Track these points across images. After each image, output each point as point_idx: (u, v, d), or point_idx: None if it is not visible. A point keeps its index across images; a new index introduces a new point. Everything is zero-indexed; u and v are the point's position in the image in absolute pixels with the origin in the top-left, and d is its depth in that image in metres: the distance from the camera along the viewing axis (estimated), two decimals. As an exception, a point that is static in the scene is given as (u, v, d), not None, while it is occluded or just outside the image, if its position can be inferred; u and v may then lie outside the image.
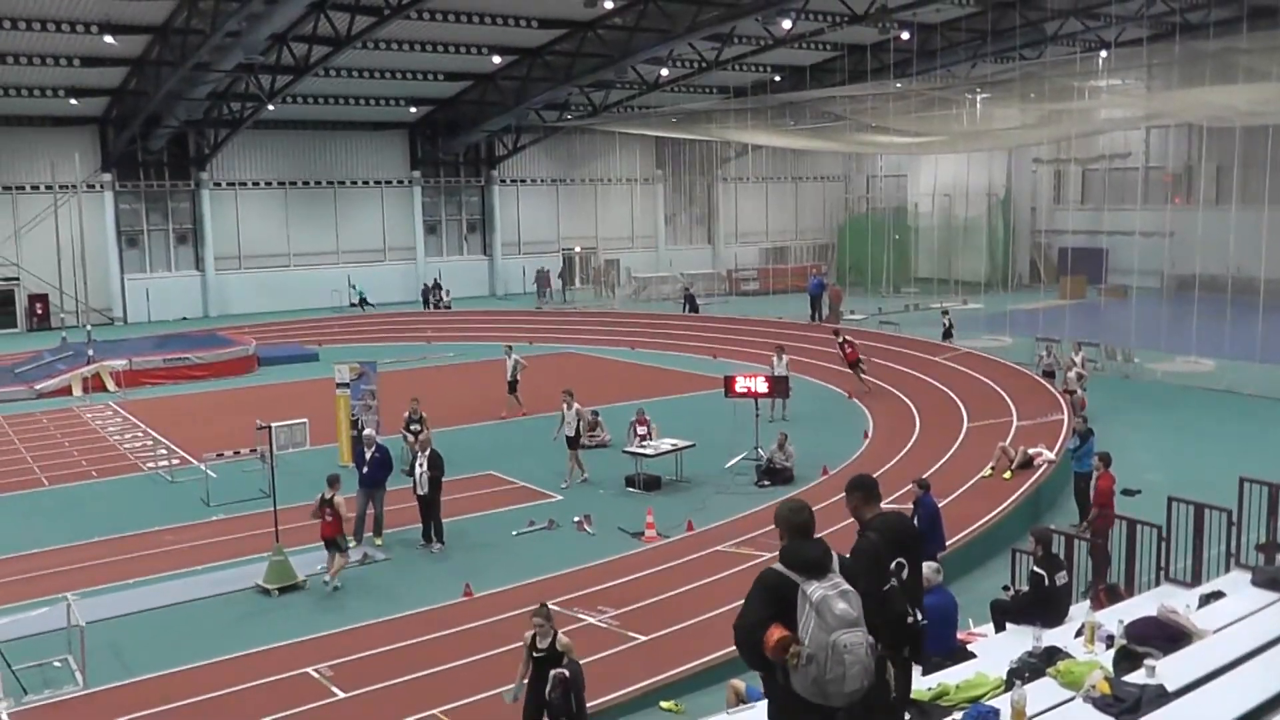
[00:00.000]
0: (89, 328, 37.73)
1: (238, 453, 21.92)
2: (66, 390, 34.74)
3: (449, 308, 53.22)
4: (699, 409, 27.95)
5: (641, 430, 23.22)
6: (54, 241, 45.71)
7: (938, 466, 20.69)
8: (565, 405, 21.69)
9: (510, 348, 29.15)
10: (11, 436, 28.56)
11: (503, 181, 60.06)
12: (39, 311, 50.42)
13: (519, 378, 28.07)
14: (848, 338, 30.77)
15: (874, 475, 6.35)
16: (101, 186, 50.68)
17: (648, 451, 21.59)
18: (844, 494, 6.23)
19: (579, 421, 21.64)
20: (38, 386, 35.03)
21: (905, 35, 44.87)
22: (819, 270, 55.56)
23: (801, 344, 35.68)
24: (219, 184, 53.41)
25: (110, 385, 35.21)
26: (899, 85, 41.55)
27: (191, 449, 24.61)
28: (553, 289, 56.75)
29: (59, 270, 47.86)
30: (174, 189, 52.89)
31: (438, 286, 53.88)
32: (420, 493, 17.65)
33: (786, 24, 42.91)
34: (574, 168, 61.46)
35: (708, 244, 65.94)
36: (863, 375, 29.91)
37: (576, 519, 18.98)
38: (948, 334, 35.16)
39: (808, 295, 46.44)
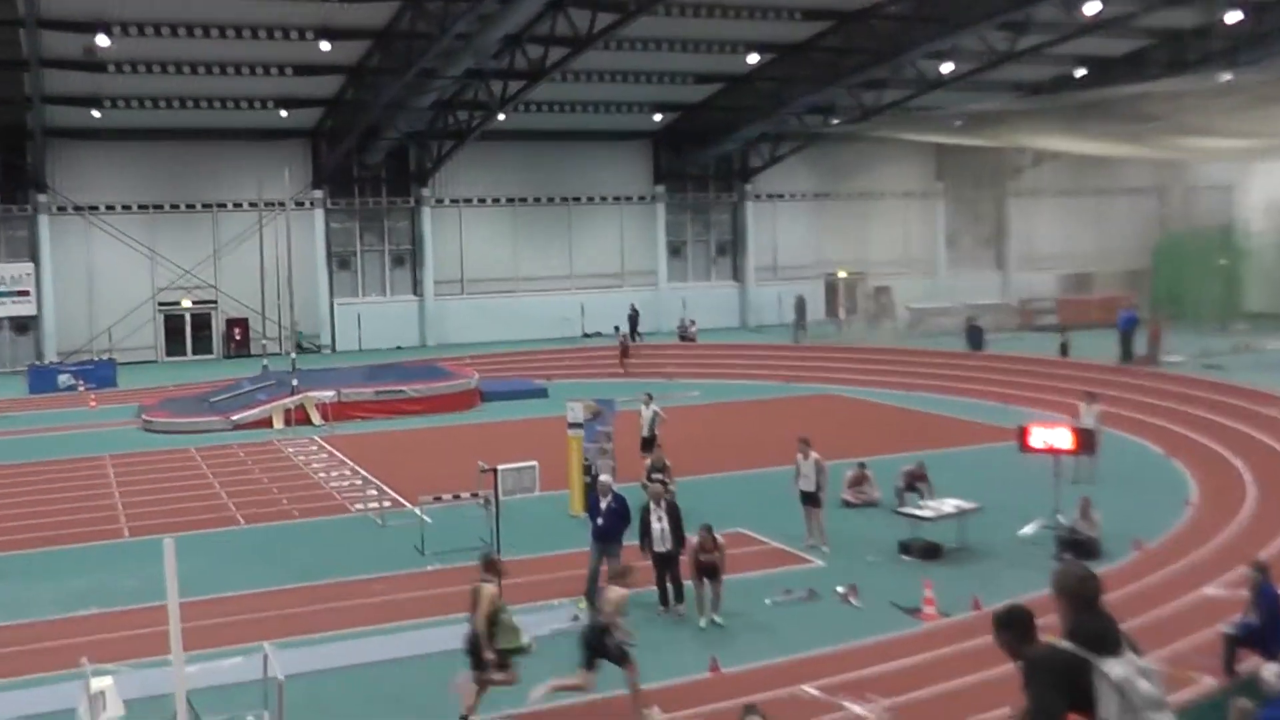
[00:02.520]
0: (293, 355, 39.52)
1: (457, 497, 22.12)
2: (266, 422, 36.03)
3: (693, 339, 53.61)
4: (986, 465, 27.58)
5: (920, 487, 23.01)
6: (257, 262, 48.10)
7: None
8: (801, 455, 21.61)
9: (650, 396, 28.41)
10: (205, 471, 29.60)
11: (757, 197, 60.91)
12: (237, 337, 52.71)
13: (657, 431, 27.21)
14: None
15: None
16: (312, 204, 53.07)
17: (925, 513, 21.32)
18: (993, 630, 5.69)
19: (818, 474, 21.40)
20: (235, 417, 36.27)
21: (1236, 16, 42.55)
22: (1131, 302, 53.01)
23: (1111, 390, 34.43)
24: (441, 201, 55.52)
25: (315, 418, 36.30)
26: (1228, 78, 40.51)
27: (405, 491, 25.20)
28: (808, 321, 56.13)
29: (261, 293, 50.18)
30: (391, 207, 55.23)
31: (636, 315, 53.88)
32: (660, 549, 17.69)
33: (1093, 7, 41.21)
34: (839, 181, 61.13)
35: (996, 269, 65.36)
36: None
37: (841, 589, 18.80)
38: (1295, 383, 33.22)
39: (1117, 331, 44.43)
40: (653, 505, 17.73)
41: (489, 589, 13.68)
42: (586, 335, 55.68)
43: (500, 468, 19.29)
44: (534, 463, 21.26)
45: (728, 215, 61.11)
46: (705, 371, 45.61)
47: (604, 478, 19.28)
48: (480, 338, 53.53)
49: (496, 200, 56.51)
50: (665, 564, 17.82)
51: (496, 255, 56.36)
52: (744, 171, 60.07)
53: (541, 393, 41.01)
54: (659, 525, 17.62)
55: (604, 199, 58.26)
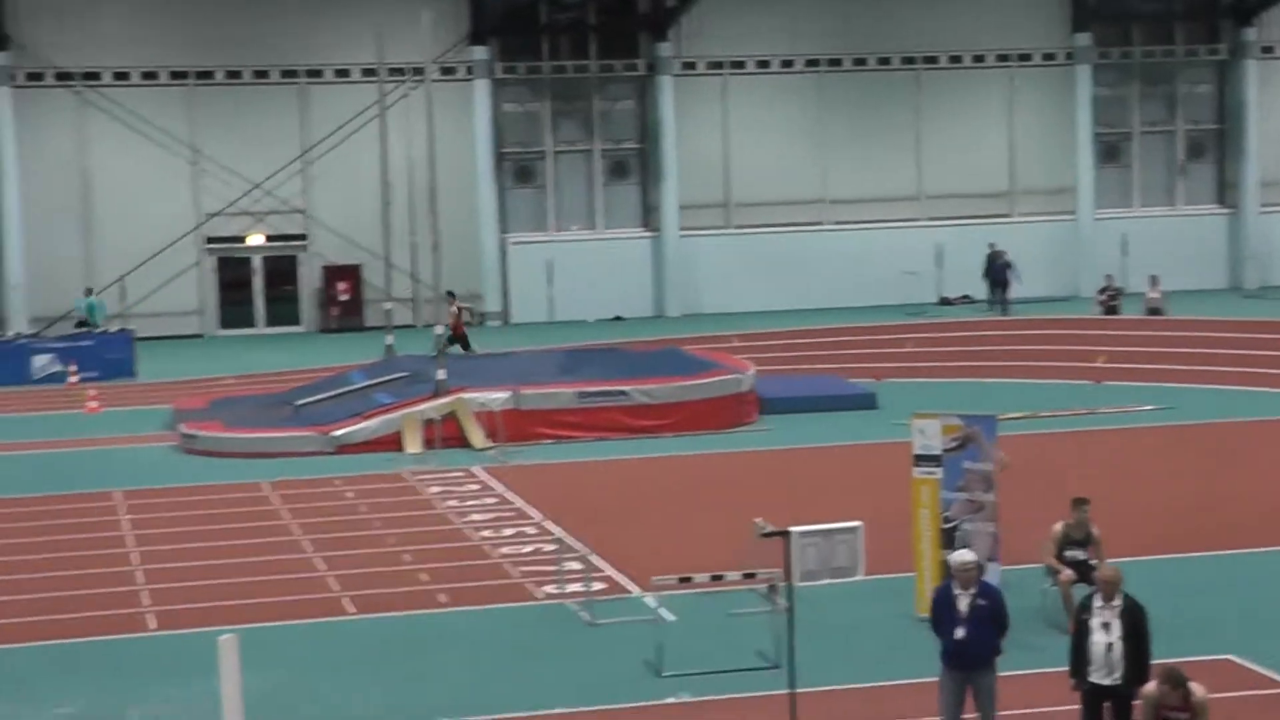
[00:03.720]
0: (440, 329, 39.48)
1: (718, 577, 22.05)
2: (391, 441, 35.90)
3: (1160, 311, 51.53)
4: None
5: None
6: (375, 172, 49.03)
7: None
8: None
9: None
10: (286, 521, 29.61)
11: (1266, 50, 59.92)
12: (342, 296, 53.91)
13: None
14: None
15: None
16: (470, 70, 54.25)
17: None
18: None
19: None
20: (337, 433, 36.13)
21: None
22: None
23: None
24: (692, 66, 56.28)
25: (475, 437, 36.13)
26: None
27: (629, 565, 25.22)
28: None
29: (383, 224, 49.82)
30: (605, 77, 56.46)
31: (1003, 263, 53.79)
32: (1103, 681, 16.80)
33: None
34: None
35: None
36: None
37: None
38: None
39: None
40: (1095, 604, 17.22)
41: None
42: (945, 301, 56.00)
43: (794, 531, 18.40)
44: (856, 524, 20.05)
45: (1209, 85, 60.57)
46: (1174, 369, 44.31)
47: (965, 556, 18.18)
48: (756, 304, 54.19)
49: (787, 64, 56.57)
50: (1109, 707, 17.12)
51: (785, 161, 56.21)
52: (1244, 3, 58.76)
53: (866, 400, 40.76)
54: (1104, 639, 16.89)
55: (978, 60, 57.67)
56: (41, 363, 45.09)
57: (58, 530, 28.96)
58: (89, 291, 50.38)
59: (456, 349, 43.12)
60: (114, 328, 48.68)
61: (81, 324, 50.58)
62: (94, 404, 41.63)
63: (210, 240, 53.37)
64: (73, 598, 24.50)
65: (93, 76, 52.31)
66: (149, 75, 52.60)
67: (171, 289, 52.76)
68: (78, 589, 24.99)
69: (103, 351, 45.74)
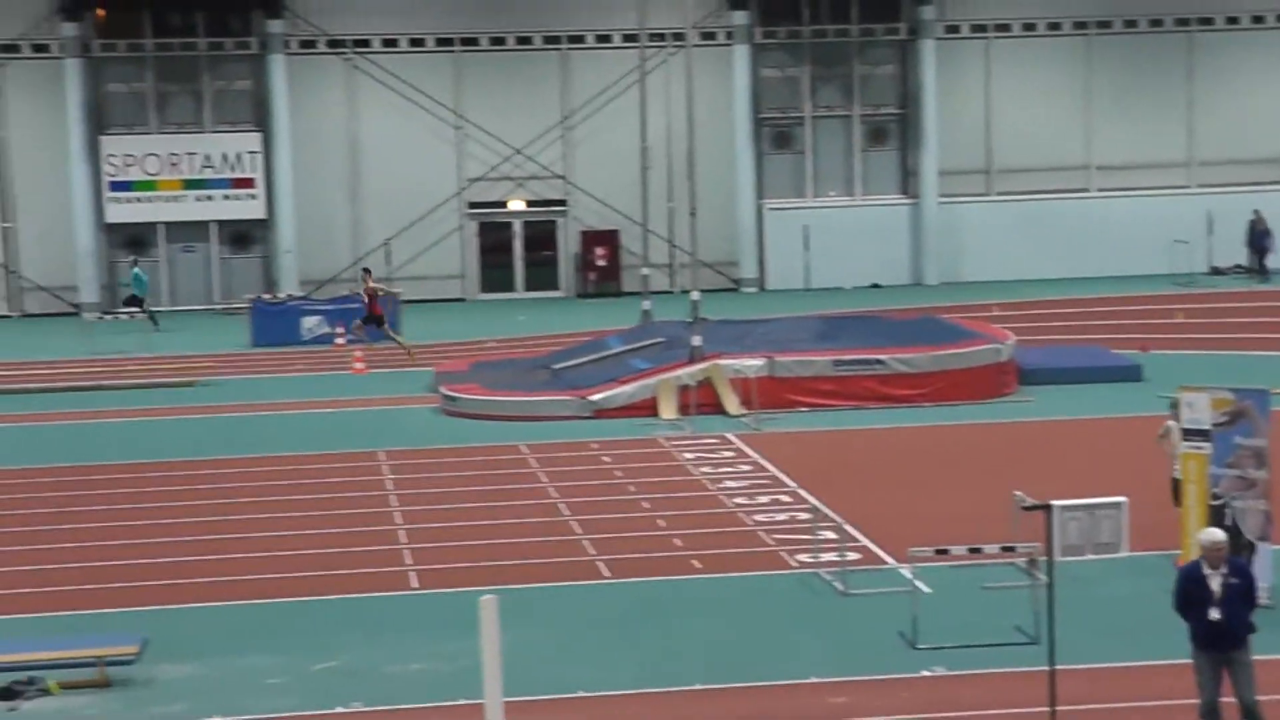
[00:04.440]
0: (695, 295, 39.37)
1: (976, 550, 21.88)
2: (648, 407, 36.30)
3: None
4: None
5: None
6: (633, 138, 49.25)
7: None
8: None
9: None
10: (544, 483, 30.08)
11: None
12: (600, 262, 54.64)
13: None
14: None
15: None
16: (729, 36, 54.33)
17: None
18: None
19: None
20: (594, 397, 36.66)
21: None
22: None
23: None
24: (955, 29, 56.13)
25: (730, 403, 36.19)
26: None
27: (884, 537, 25.15)
28: None
29: (641, 189, 49.62)
30: (865, 39, 56.19)
31: (1265, 231, 53.00)
32: None
33: None
34: None
35: None
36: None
37: None
38: None
39: None
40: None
41: None
42: (1216, 271, 54.75)
43: (1056, 505, 18.78)
44: (1120, 499, 21.65)
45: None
46: None
47: (1216, 535, 17.47)
48: (1017, 272, 53.90)
49: (1054, 27, 56.24)
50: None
51: (1049, 126, 56.00)
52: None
53: (1131, 372, 40.09)
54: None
55: (1257, 21, 56.54)
56: (310, 324, 46.25)
57: (325, 489, 29.86)
58: (135, 263, 51.14)
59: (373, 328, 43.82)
60: (380, 291, 47.96)
61: (130, 300, 51.18)
62: (360, 365, 42.66)
63: (472, 205, 54.32)
64: (338, 555, 25.14)
65: (363, 44, 53.42)
66: (416, 42, 53.71)
67: (434, 253, 53.85)
68: (343, 546, 25.68)
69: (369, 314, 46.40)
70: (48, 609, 21.75)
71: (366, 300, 44.72)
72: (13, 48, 52.99)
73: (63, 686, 17.72)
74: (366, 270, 48.40)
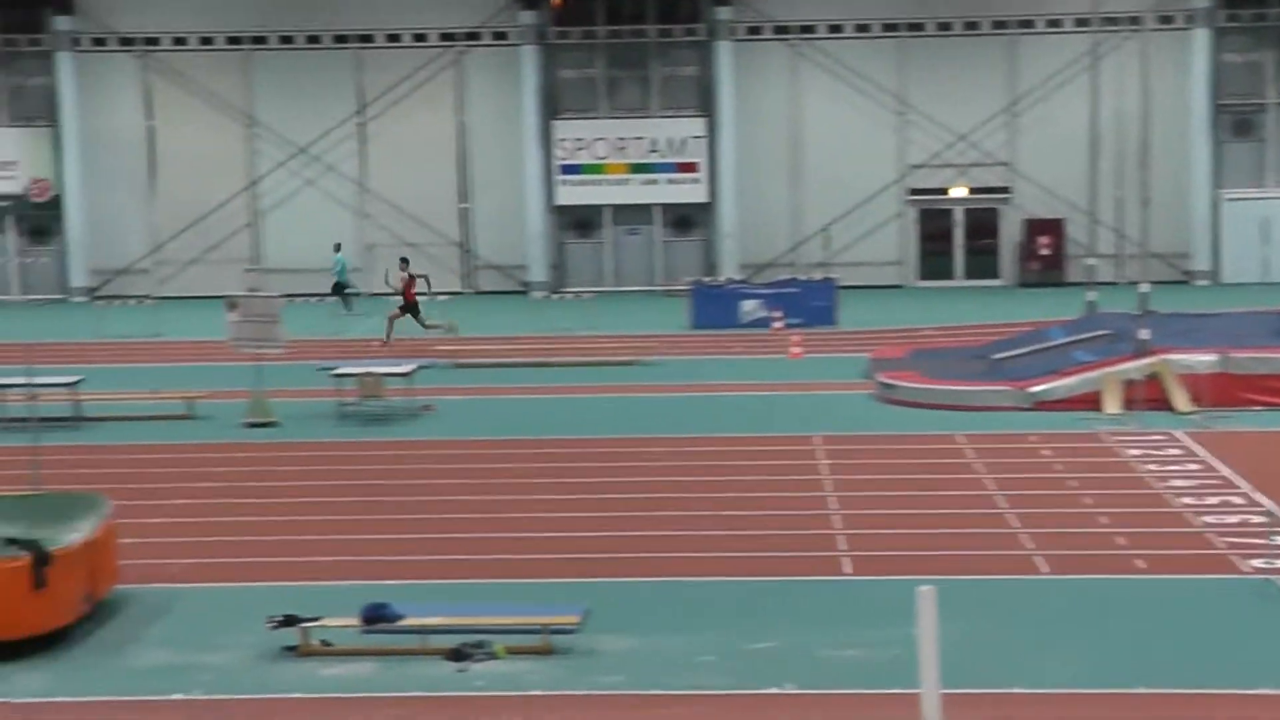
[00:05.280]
0: (1144, 288, 38.91)
1: None
2: (1089, 400, 35.75)
3: None
4: None
5: None
6: (1083, 122, 51.89)
7: None
8: None
9: None
10: (980, 475, 29.88)
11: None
12: (1043, 251, 54.59)
13: None
14: None
15: None
16: (1191, 20, 53.97)
17: None
18: None
19: None
20: (1035, 389, 36.17)
21: None
22: None
23: None
24: None
25: (1179, 400, 35.46)
26: None
27: None
28: None
29: (1089, 176, 52.87)
30: None
31: None
32: None
33: None
34: None
35: None
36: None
37: None
38: None
39: None
40: None
41: None
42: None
43: None
44: None
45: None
46: None
47: None
48: None
49: None
50: None
51: None
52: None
53: None
54: None
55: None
56: (749, 308, 46.96)
57: (760, 470, 30.00)
58: (338, 248, 52.33)
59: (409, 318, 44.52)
60: (818, 276, 49.40)
61: (338, 286, 52.45)
62: (797, 350, 42.78)
63: (912, 192, 54.83)
64: (771, 537, 25.32)
65: (808, 30, 54.18)
66: (861, 28, 54.26)
67: (873, 239, 54.51)
68: (777, 529, 25.88)
69: (807, 299, 47.01)
70: (497, 576, 22.77)
71: (403, 289, 45.80)
72: (474, 35, 54.98)
73: (509, 651, 18.62)
74: (404, 260, 49.07)
